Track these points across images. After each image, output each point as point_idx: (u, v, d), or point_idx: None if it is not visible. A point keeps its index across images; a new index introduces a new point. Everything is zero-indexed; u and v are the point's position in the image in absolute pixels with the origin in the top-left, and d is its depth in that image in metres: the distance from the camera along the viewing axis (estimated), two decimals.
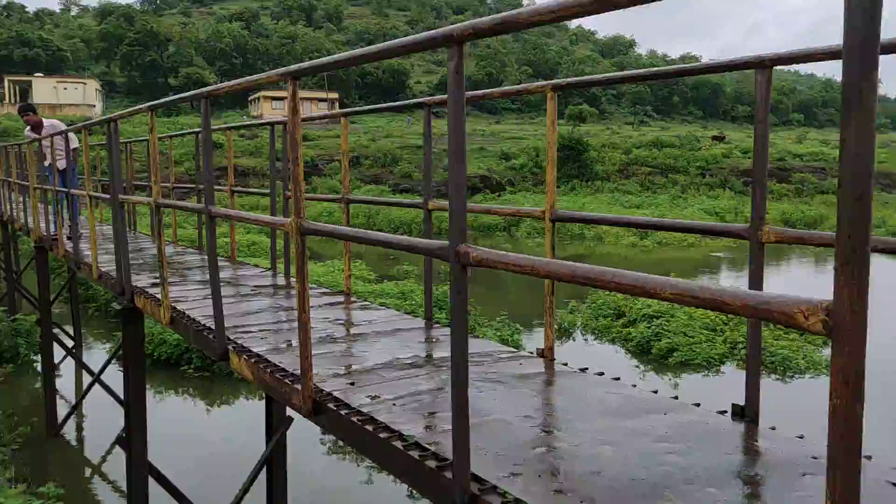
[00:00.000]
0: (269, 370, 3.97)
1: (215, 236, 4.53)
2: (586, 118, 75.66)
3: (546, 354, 4.18)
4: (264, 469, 6.81)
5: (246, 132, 53.70)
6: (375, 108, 5.94)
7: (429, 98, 5.07)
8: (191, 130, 9.13)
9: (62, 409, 12.15)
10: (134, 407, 6.10)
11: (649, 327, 16.05)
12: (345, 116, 6.01)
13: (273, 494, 6.80)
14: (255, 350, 4.35)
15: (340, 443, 11.44)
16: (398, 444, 2.90)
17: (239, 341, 4.56)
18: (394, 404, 3.36)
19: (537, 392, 3.59)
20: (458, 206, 2.41)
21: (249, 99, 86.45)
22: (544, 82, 4.17)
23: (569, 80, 4.12)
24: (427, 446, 2.84)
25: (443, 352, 4.37)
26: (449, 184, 2.42)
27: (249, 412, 12.65)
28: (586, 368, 3.97)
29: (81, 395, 11.47)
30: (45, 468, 10.39)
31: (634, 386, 3.64)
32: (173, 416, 12.35)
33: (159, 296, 5.95)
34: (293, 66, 3.37)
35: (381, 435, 3.00)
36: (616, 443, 2.87)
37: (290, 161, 3.39)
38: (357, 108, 6.10)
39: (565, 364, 4.08)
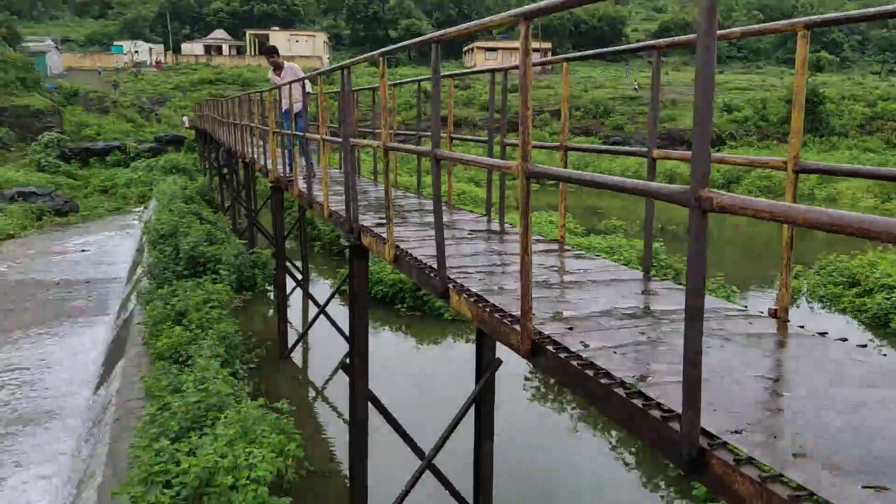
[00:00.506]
0: (488, 309, 4.06)
1: (440, 178, 4.68)
2: (824, 66, 68.60)
3: (779, 315, 3.90)
4: (472, 407, 7.06)
5: (459, 82, 54.76)
6: (600, 52, 5.76)
7: (660, 40, 4.82)
8: (413, 79, 9.44)
9: (291, 336, 13.39)
10: (358, 338, 6.57)
11: (888, 298, 14.48)
12: (567, 61, 5.90)
13: (481, 432, 7.06)
14: (474, 290, 4.47)
15: (543, 389, 11.60)
16: (620, 391, 2.86)
17: (459, 281, 4.71)
18: (613, 352, 3.31)
19: (769, 352, 3.37)
20: (702, 148, 2.28)
21: (464, 50, 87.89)
22: (796, 20, 3.79)
23: (825, 16, 3.72)
24: (651, 396, 2.77)
25: (663, 305, 4.23)
26: (694, 127, 2.29)
27: (457, 352, 13.19)
28: (826, 333, 3.65)
29: (308, 324, 12.52)
30: (276, 386, 11.56)
31: (885, 355, 3.30)
32: (387, 350, 13.16)
33: (384, 235, 6.30)
34: (526, 7, 3.33)
35: (602, 381, 2.97)
36: (861, 412, 2.62)
37: (521, 104, 3.38)
38: (580, 53, 5.95)
39: (801, 327, 3.78)
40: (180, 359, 10.54)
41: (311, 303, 16.09)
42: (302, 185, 9.99)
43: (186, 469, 6.64)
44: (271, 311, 16.33)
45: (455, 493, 7.35)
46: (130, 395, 10.43)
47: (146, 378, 9.92)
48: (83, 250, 28.68)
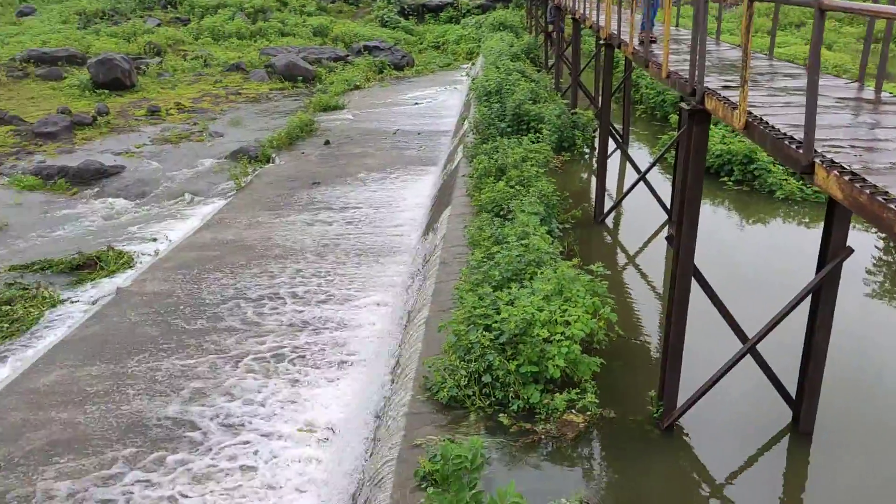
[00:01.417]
0: (867, 191, 3.45)
1: (822, 33, 3.97)
2: None
3: None
4: (808, 299, 6.38)
5: None
6: None
7: None
8: None
9: (607, 201, 13.19)
10: (689, 209, 6.17)
11: None
12: None
13: (815, 327, 6.39)
14: (848, 166, 3.83)
15: (889, 285, 10.21)
16: None
17: (827, 155, 4.07)
18: None
19: None
20: None
21: None
22: None
23: None
24: None
25: None
26: None
27: (787, 235, 12.04)
28: None
29: (626, 190, 12.20)
30: (588, 249, 11.59)
31: None
32: (707, 225, 12.40)
33: (732, 99, 5.68)
34: None
35: None
36: None
37: None
38: None
39: None
40: (501, 212, 10.97)
41: (628, 168, 15.69)
42: (636, 42, 9.41)
43: (507, 317, 6.97)
44: (586, 175, 16.25)
45: (779, 386, 6.86)
46: (455, 241, 11.20)
47: (470, 227, 10.53)
48: (416, 103, 30.89)
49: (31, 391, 10.16)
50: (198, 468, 8.56)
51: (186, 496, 8.04)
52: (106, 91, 29.93)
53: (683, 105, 6.26)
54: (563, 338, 6.84)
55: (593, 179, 15.95)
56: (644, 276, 10.90)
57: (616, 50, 11.42)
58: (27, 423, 9.42)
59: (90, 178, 20.22)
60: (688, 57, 8.64)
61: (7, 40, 39.04)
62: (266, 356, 11.00)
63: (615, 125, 16.90)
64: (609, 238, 12.23)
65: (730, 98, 5.66)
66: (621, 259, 11.72)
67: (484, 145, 14.76)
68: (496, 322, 7.24)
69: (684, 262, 6.37)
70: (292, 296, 13.04)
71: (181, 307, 12.56)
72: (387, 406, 8.03)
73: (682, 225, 6.31)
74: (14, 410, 9.69)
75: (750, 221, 12.75)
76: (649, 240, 12.17)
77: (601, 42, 11.71)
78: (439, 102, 30.98)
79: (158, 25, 42.61)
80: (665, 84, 7.69)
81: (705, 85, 6.15)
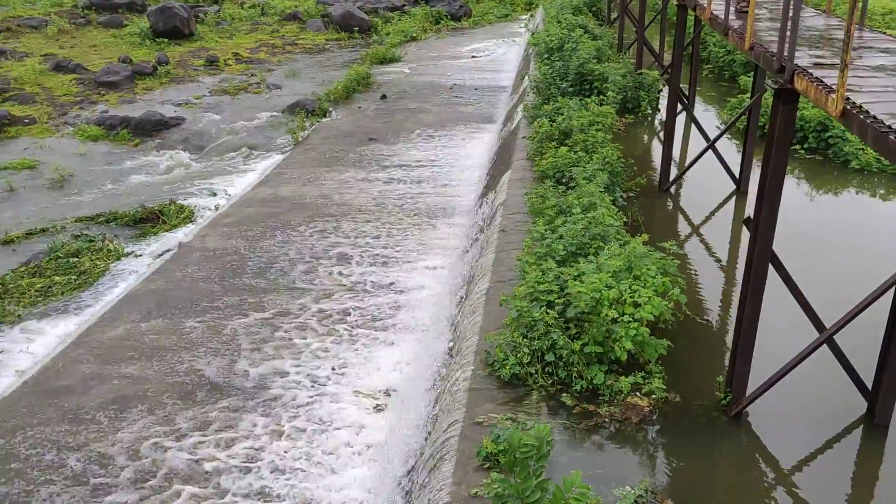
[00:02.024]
0: None
1: None
2: None
3: None
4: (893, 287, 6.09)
5: None
6: None
7: None
8: None
9: (672, 167, 12.81)
10: (770, 191, 5.89)
11: None
12: None
13: None
14: None
15: None
16: None
17: None
18: None
19: None
20: None
21: None
22: None
23: None
24: None
25: None
26: None
27: (864, 207, 11.54)
28: None
29: (694, 158, 11.80)
30: (653, 220, 11.30)
31: None
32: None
33: (826, 80, 5.34)
34: None
35: None
36: None
37: None
38: None
39: None
40: (563, 179, 10.73)
41: (693, 132, 15.17)
42: (716, 7, 8.95)
43: (576, 294, 6.83)
44: (648, 138, 15.79)
45: (854, 377, 6.62)
46: (515, 208, 11.03)
47: (532, 195, 10.33)
48: (473, 56, 30.32)
49: (98, 344, 10.46)
50: (256, 428, 8.72)
51: (247, 455, 8.23)
52: (165, 40, 30.11)
53: (770, 84, 5.93)
54: (631, 319, 6.69)
55: (656, 144, 15.52)
56: (711, 250, 10.59)
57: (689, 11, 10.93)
58: (96, 376, 9.71)
59: (151, 129, 20.47)
60: (770, 24, 8.20)
61: None
62: (323, 316, 11.09)
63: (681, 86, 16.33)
64: (673, 208, 11.89)
65: (823, 79, 5.33)
66: (685, 229, 11.41)
67: (545, 106, 14.41)
68: (559, 298, 7.12)
69: (762, 248, 6.12)
70: (348, 255, 13.08)
71: (241, 264, 12.72)
72: (446, 378, 8.03)
73: (761, 210, 6.05)
74: (83, 363, 10.00)
75: (824, 191, 12.26)
76: (714, 210, 11.81)
77: (676, 3, 11.18)
78: (497, 56, 30.38)
79: None
80: (748, 56, 7.31)
81: (796, 62, 5.80)
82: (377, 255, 13.19)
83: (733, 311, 7.99)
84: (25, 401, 9.20)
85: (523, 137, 14.22)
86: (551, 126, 12.83)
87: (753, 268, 6.23)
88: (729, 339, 7.54)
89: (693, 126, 13.49)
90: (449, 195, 16.11)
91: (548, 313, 6.96)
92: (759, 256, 6.16)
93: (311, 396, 9.30)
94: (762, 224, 6.05)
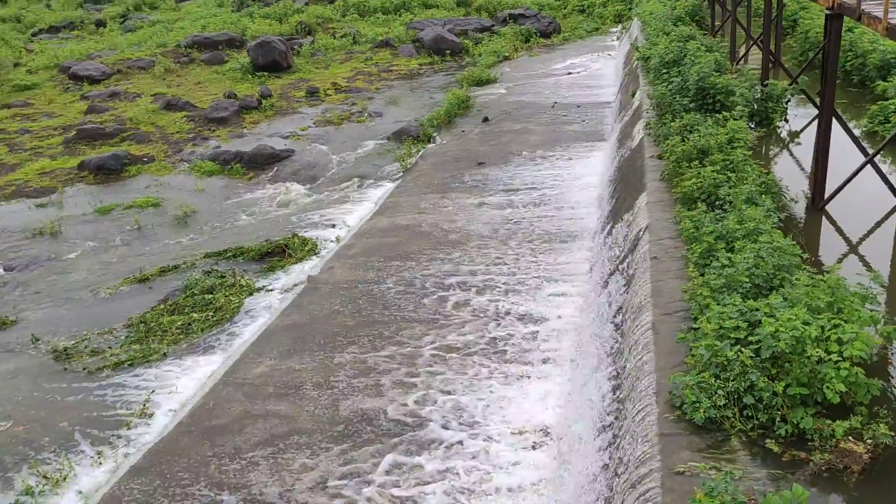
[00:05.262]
0: None
1: None
2: None
3: None
4: None
5: None
6: None
7: None
8: None
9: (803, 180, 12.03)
10: None
11: None
12: None
13: None
14: None
15: None
16: None
17: None
18: None
19: None
20: None
21: None
22: None
23: None
24: None
25: None
26: None
27: None
28: None
29: (854, 171, 11.04)
30: (815, 242, 10.62)
31: None
32: None
33: None
34: None
35: None
36: None
37: None
38: None
39: None
40: (715, 202, 10.20)
41: (834, 143, 14.32)
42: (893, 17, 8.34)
43: (774, 332, 6.36)
44: (780, 152, 15.03)
45: None
46: (662, 233, 10.55)
47: (682, 219, 9.85)
48: (569, 73, 29.91)
49: (245, 382, 10.53)
50: (408, 465, 8.54)
51: (409, 496, 8.03)
52: (265, 73, 30.95)
53: None
54: (839, 357, 6.16)
55: (789, 159, 14.76)
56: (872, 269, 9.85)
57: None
58: (248, 415, 9.74)
59: (263, 162, 20.92)
60: None
61: (171, 26, 41.16)
62: (461, 348, 10.87)
63: (807, 93, 15.49)
64: (833, 229, 11.13)
65: None
66: (841, 247, 10.68)
67: (672, 123, 13.88)
68: (752, 336, 6.65)
69: None
70: (475, 284, 12.86)
71: (371, 296, 12.67)
72: (619, 420, 7.64)
73: None
74: (234, 402, 10.06)
75: None
76: (873, 228, 11.01)
77: (828, 11, 10.52)
78: (593, 71, 29.89)
79: (306, 4, 43.57)
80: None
81: None
82: (504, 282, 12.93)
83: None
84: (184, 442, 9.29)
85: (651, 157, 13.71)
86: (685, 145, 12.30)
87: None
88: None
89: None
90: (568, 217, 15.75)
91: (741, 352, 6.50)
92: None
93: (462, 433, 9.07)
94: None
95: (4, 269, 15.45)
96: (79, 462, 9.09)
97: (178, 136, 24.11)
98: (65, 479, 8.70)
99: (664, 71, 17.25)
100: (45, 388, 10.92)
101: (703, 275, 8.18)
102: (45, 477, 8.68)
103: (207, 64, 33.36)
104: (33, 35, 47.26)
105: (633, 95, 19.65)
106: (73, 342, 12.08)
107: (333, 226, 16.40)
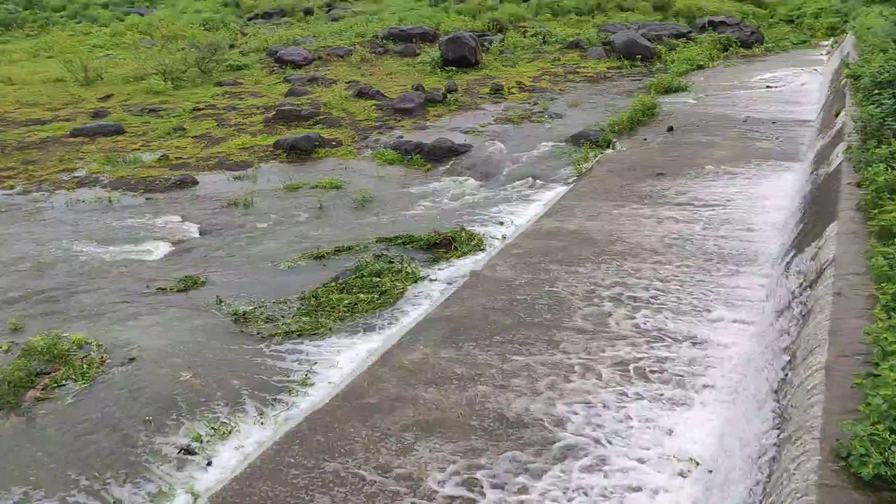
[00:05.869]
0: None
1: None
2: None
3: None
4: None
5: None
6: None
7: None
8: None
9: None
10: None
11: None
12: None
13: None
14: None
15: None
16: None
17: None
18: None
19: None
20: None
21: None
22: None
23: None
24: None
25: None
26: None
27: None
28: None
29: None
30: None
31: None
32: None
33: None
34: None
35: None
36: None
37: None
38: None
39: None
40: None
41: None
42: None
43: None
44: None
45: None
46: (849, 268, 9.72)
47: (879, 256, 9.02)
48: (767, 87, 28.19)
49: (399, 366, 10.91)
50: (556, 475, 8.48)
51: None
52: (453, 68, 31.72)
53: None
54: None
55: None
56: None
57: None
58: (399, 398, 10.11)
59: (442, 155, 21.49)
60: None
61: (371, 17, 43.24)
62: (614, 363, 10.62)
63: None
64: None
65: None
66: None
67: (876, 150, 12.71)
68: None
69: None
70: (638, 298, 12.50)
71: (530, 298, 12.69)
72: (776, 461, 7.15)
73: None
74: (387, 383, 10.47)
75: None
76: None
77: None
78: (795, 86, 27.98)
79: (501, 2, 44.11)
80: None
81: None
82: (670, 300, 12.46)
83: None
84: (338, 414, 9.80)
85: (848, 184, 12.65)
86: (889, 174, 11.23)
87: None
88: None
89: None
90: (747, 239, 14.90)
91: None
92: None
93: (606, 448, 8.87)
94: None
95: (200, 234, 16.98)
96: (243, 420, 9.85)
97: (366, 123, 25.31)
98: (230, 432, 9.45)
99: (876, 91, 15.82)
100: (223, 348, 11.91)
101: (890, 317, 7.46)
102: (213, 428, 9.49)
103: (400, 56, 34.71)
104: (249, 19, 51.49)
105: (837, 116, 18.19)
106: (251, 307, 13.05)
107: (501, 223, 16.56)
